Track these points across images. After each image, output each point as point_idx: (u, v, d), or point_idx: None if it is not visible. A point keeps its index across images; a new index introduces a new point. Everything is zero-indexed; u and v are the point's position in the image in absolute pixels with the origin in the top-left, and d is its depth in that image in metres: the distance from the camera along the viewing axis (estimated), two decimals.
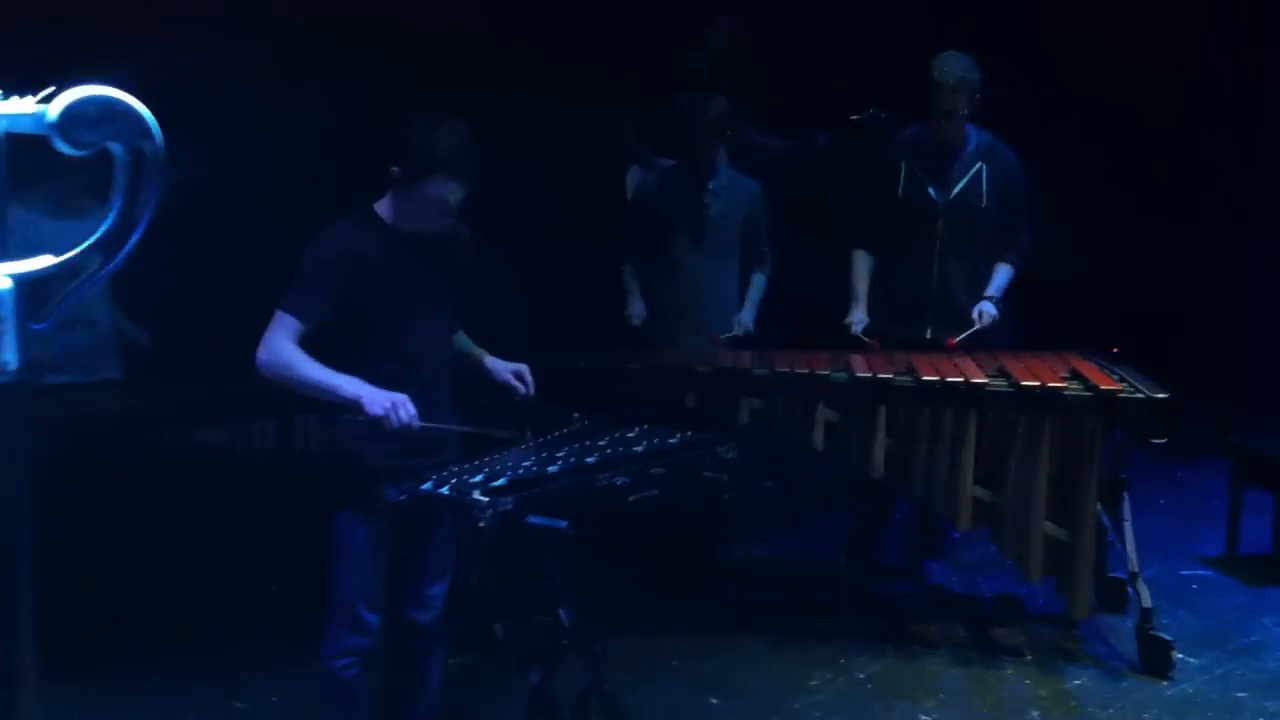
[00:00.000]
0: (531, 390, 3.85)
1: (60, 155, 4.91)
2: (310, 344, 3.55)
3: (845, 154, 6.39)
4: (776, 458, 5.68)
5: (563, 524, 3.22)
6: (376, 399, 3.45)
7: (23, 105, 1.39)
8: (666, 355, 5.26)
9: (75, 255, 1.43)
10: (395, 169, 3.56)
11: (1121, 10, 7.11)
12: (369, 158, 3.68)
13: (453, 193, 3.55)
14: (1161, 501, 6.58)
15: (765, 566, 5.86)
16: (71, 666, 4.35)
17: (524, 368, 3.88)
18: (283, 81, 5.64)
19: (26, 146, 4.84)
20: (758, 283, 5.60)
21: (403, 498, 3.30)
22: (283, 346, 3.50)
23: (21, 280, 1.38)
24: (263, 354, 3.53)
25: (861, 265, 5.46)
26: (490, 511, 3.16)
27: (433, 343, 3.71)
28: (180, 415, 4.66)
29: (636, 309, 5.54)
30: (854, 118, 6.33)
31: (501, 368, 3.89)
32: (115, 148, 1.42)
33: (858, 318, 5.35)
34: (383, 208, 3.66)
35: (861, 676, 4.76)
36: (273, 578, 4.90)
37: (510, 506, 3.20)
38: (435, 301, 3.71)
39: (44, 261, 1.40)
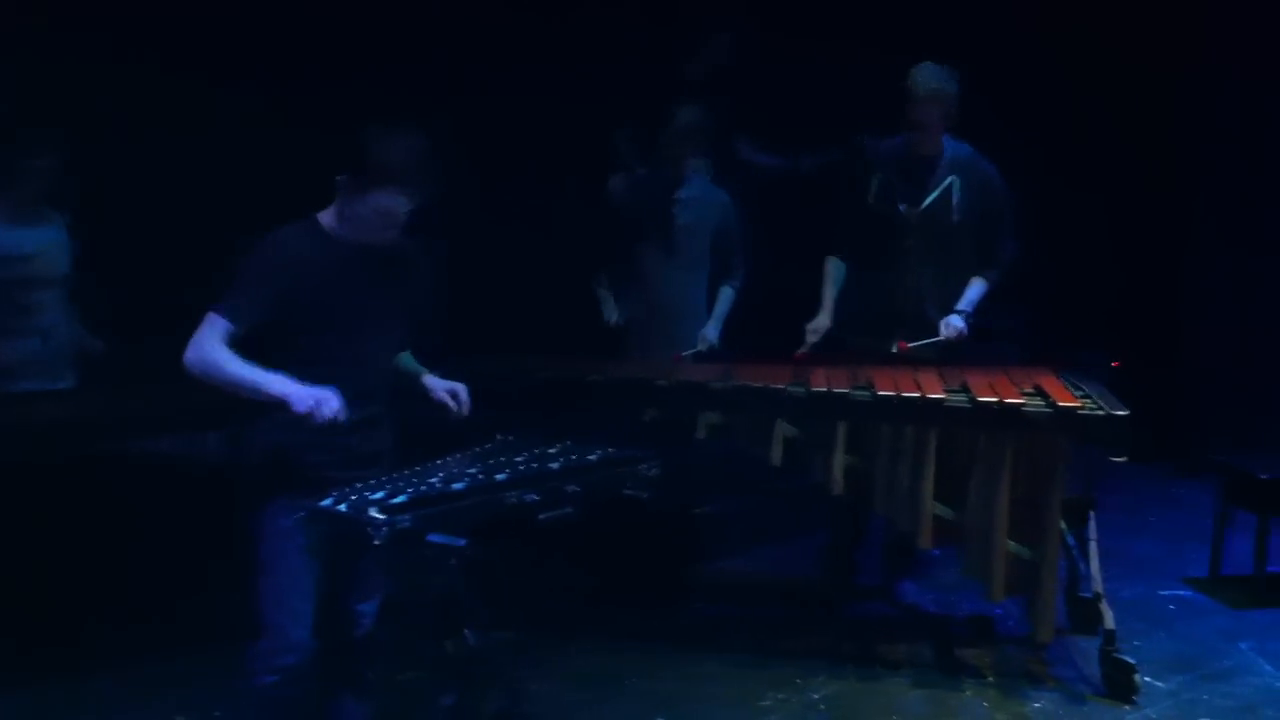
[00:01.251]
0: (466, 409, 3.80)
1: (19, 164, 4.96)
2: (244, 347, 3.52)
3: (830, 170, 6.31)
4: (748, 473, 5.58)
5: (461, 542, 3.17)
6: (302, 395, 3.40)
7: None
8: (627, 368, 5.19)
9: None
10: (342, 178, 3.53)
11: (1128, 14, 6.98)
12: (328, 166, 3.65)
13: (400, 205, 3.52)
14: (1151, 520, 6.43)
15: (738, 582, 5.78)
16: (17, 674, 4.41)
17: (461, 386, 3.83)
18: (244, 84, 5.64)
19: None
20: (725, 296, 5.53)
21: (302, 513, 3.26)
22: (211, 346, 3.47)
23: None
24: (190, 352, 3.49)
25: (832, 272, 5.37)
26: (386, 529, 3.12)
27: (370, 356, 3.65)
28: (130, 424, 4.64)
29: (610, 314, 5.48)
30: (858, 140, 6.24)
31: (437, 385, 3.84)
32: None
33: (819, 324, 5.26)
34: (327, 217, 3.62)
35: (816, 697, 4.66)
36: (220, 588, 4.88)
37: (408, 524, 3.15)
38: (374, 313, 3.65)
39: None
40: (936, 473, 4.69)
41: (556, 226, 6.01)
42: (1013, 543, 4.64)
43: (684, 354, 5.35)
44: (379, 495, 3.25)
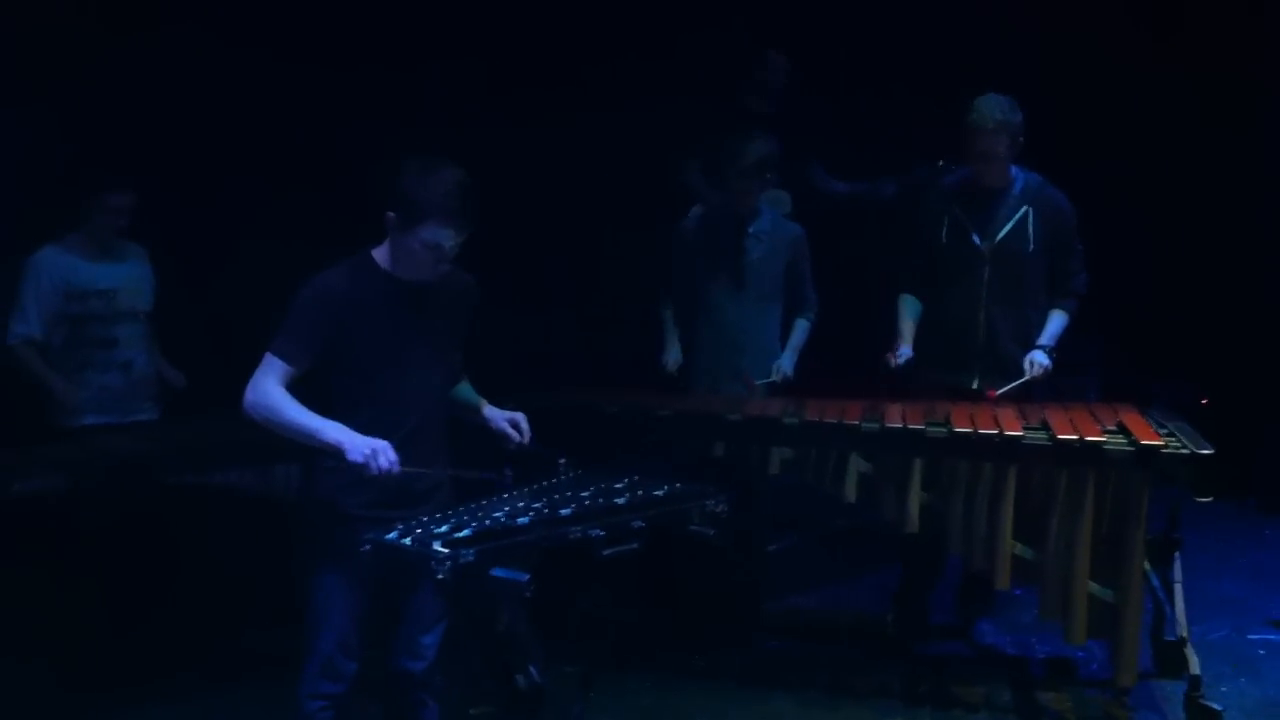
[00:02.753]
0: (527, 438, 3.79)
1: (96, 202, 5.06)
2: (299, 387, 3.55)
3: (907, 202, 6.25)
4: (820, 509, 5.51)
5: (524, 577, 3.14)
6: (357, 445, 3.43)
7: None
8: (695, 402, 5.15)
9: None
10: (390, 214, 3.55)
11: (1204, 29, 6.86)
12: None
13: (447, 239, 3.53)
14: (1238, 560, 6.24)
15: (811, 620, 5.68)
16: (86, 700, 4.45)
17: (520, 416, 3.83)
18: (320, 124, 5.71)
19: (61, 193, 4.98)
20: (800, 328, 5.47)
21: (367, 547, 3.26)
22: (269, 389, 3.51)
23: None
24: (249, 395, 3.54)
25: (907, 309, 5.30)
26: (449, 564, 3.10)
27: (423, 392, 3.67)
28: (206, 457, 4.68)
29: (672, 356, 5.46)
30: (940, 163, 6.18)
31: (497, 416, 3.85)
32: None
33: (902, 351, 5.17)
34: (380, 254, 3.65)
35: None
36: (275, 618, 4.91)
37: (471, 559, 3.14)
38: (429, 351, 3.68)
39: None
40: (1015, 511, 4.60)
41: (627, 261, 5.99)
42: (1094, 584, 4.54)
43: (757, 381, 5.27)
44: (443, 529, 3.24)
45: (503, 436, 3.81)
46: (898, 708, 4.80)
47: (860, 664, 5.19)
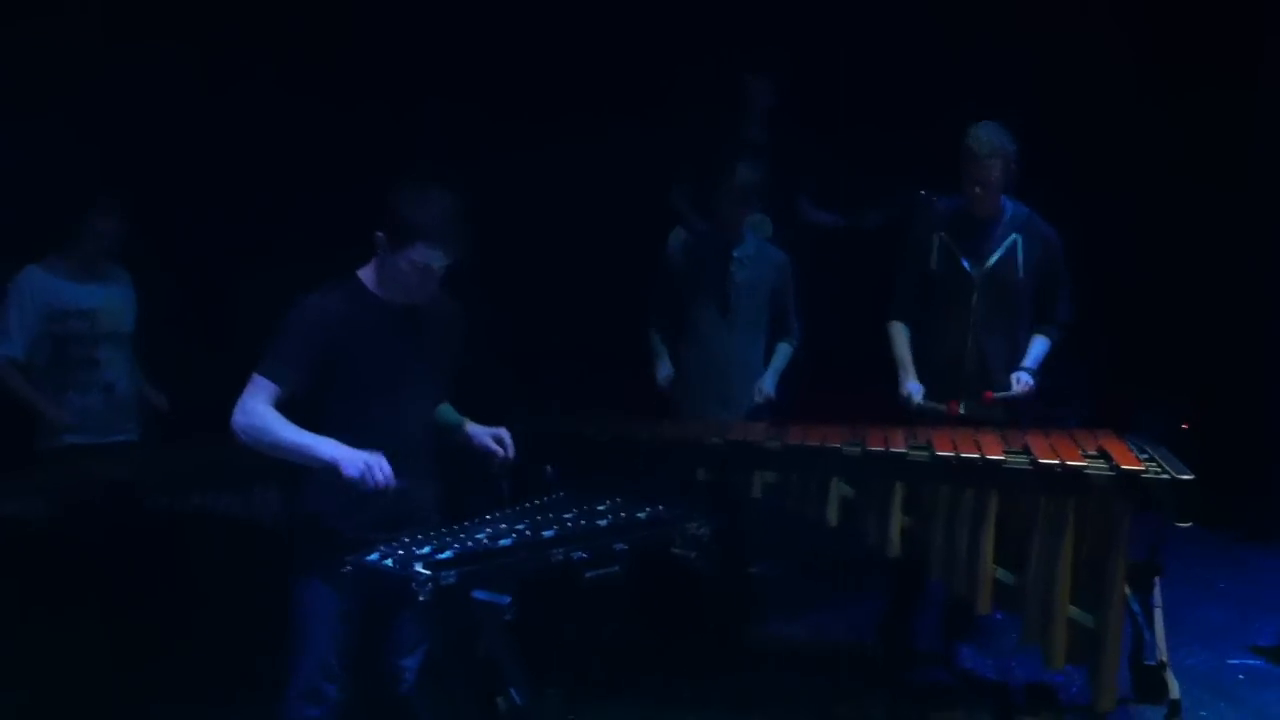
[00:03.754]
0: (511, 453, 3.80)
1: (83, 224, 5.06)
2: (286, 408, 3.55)
3: (890, 230, 6.28)
4: (801, 534, 5.51)
5: (506, 599, 3.14)
6: (353, 460, 3.43)
7: None
8: (678, 428, 5.15)
9: None
10: (379, 234, 3.56)
11: (1184, 50, 6.91)
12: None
13: (435, 260, 3.53)
14: (1219, 586, 6.26)
15: (793, 647, 5.66)
16: None
17: (503, 431, 3.84)
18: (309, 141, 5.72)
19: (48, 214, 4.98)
20: (782, 351, 5.49)
21: (348, 568, 3.25)
22: (258, 410, 3.51)
23: None
24: (238, 417, 3.53)
25: (901, 336, 5.32)
26: (430, 585, 3.10)
27: (410, 414, 3.68)
28: (186, 479, 4.67)
29: (664, 372, 5.46)
30: (922, 192, 6.21)
31: (481, 433, 3.86)
32: None
33: (914, 387, 5.18)
34: (367, 275, 3.66)
35: None
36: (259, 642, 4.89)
37: (453, 581, 3.14)
38: (416, 373, 3.68)
39: None
40: (996, 535, 4.61)
41: (611, 284, 6.01)
42: (1074, 608, 4.55)
43: (756, 401, 5.33)
44: (425, 550, 3.24)
45: (487, 454, 3.80)
46: None
47: (844, 691, 5.17)
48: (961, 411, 5.06)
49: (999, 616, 5.30)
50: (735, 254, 5.43)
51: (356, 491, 3.46)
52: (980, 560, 4.61)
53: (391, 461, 3.49)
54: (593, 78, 6.59)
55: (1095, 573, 4.53)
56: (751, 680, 5.30)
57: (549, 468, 3.77)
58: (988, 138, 5.05)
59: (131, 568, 4.67)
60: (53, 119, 5.35)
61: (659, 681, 5.17)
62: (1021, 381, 5.12)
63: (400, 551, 3.24)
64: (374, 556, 3.23)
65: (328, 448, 3.46)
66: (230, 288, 5.58)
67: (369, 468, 3.41)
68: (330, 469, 3.45)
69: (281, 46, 5.94)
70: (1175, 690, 4.56)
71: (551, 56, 6.50)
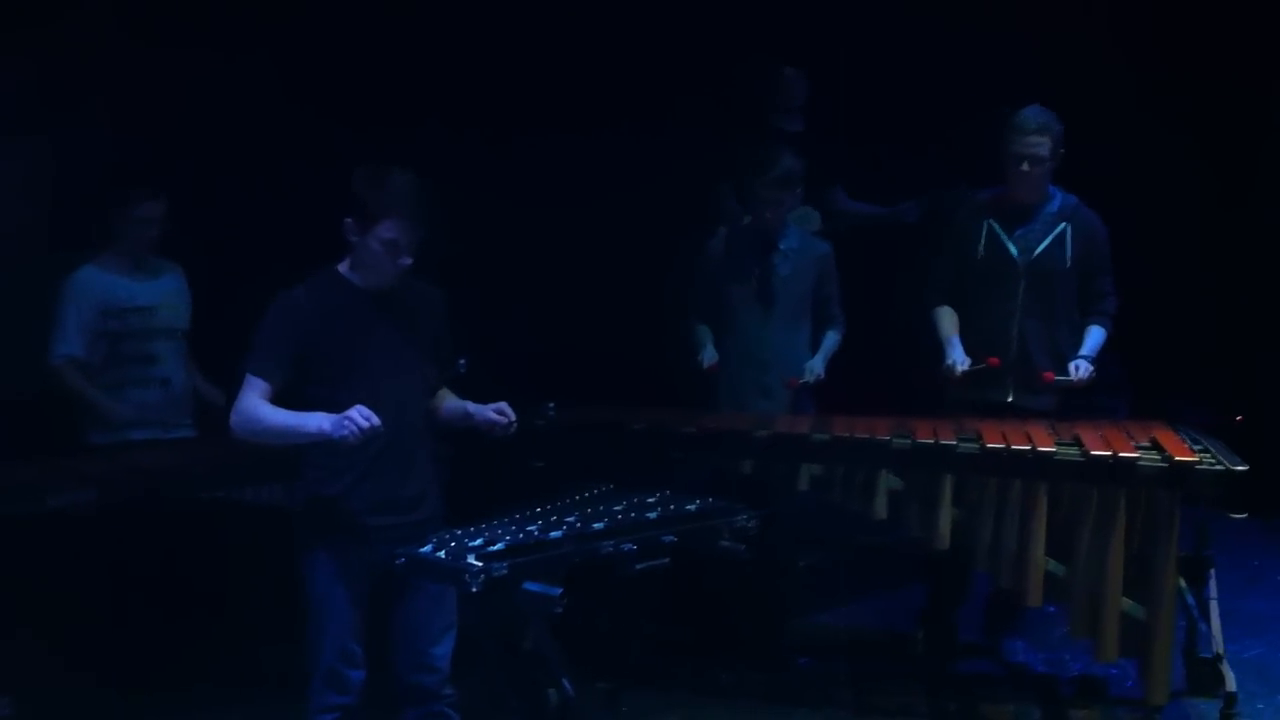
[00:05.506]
0: (514, 420, 3.79)
1: (123, 215, 5.08)
2: (281, 402, 3.66)
3: (930, 221, 6.24)
4: (847, 525, 5.49)
5: (557, 591, 3.15)
6: (336, 422, 3.49)
7: None
8: (723, 419, 5.14)
9: None
10: (348, 220, 3.65)
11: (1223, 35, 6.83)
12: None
13: (403, 234, 3.62)
14: (1274, 577, 6.18)
15: (837, 638, 5.65)
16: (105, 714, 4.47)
17: (503, 404, 3.82)
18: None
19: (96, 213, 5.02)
20: (830, 338, 5.46)
21: (401, 560, 3.27)
22: (248, 405, 3.63)
23: None
24: (233, 416, 3.66)
25: (947, 316, 5.27)
26: (483, 577, 3.11)
27: (397, 399, 3.69)
28: (236, 473, 4.70)
29: (708, 355, 5.42)
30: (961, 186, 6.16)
31: (482, 409, 3.86)
32: None
33: (959, 357, 5.13)
34: (344, 266, 3.75)
35: None
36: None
37: (504, 572, 3.15)
38: (399, 358, 3.74)
39: None
40: (1046, 528, 4.57)
41: (653, 277, 6.00)
42: (1126, 600, 4.51)
43: (799, 380, 5.29)
44: (476, 542, 3.25)
45: (490, 425, 3.80)
46: None
47: (887, 682, 5.16)
48: (1054, 380, 5.04)
49: (1049, 609, 5.28)
50: (780, 246, 5.41)
51: (357, 469, 3.58)
52: (1030, 552, 4.58)
53: (382, 445, 3.56)
54: (630, 72, 6.57)
55: (1146, 564, 4.49)
56: (793, 671, 5.30)
57: (550, 405, 3.81)
58: (1035, 115, 5.04)
59: (179, 560, 4.71)
60: (86, 118, 5.37)
61: (700, 672, 5.17)
62: (1081, 368, 5.08)
63: (452, 543, 3.26)
64: (427, 549, 3.26)
65: (313, 420, 3.54)
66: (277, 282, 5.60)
67: (349, 419, 3.46)
68: (321, 439, 3.52)
69: (320, 34, 5.96)
70: (1232, 683, 4.52)
71: (587, 51, 6.49)
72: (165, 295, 5.17)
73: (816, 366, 5.38)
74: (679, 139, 6.46)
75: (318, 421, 3.52)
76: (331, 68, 5.98)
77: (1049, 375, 5.07)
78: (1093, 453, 4.48)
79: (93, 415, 5.04)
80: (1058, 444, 4.58)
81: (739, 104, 6.59)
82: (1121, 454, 4.46)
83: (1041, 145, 5.01)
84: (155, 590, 4.68)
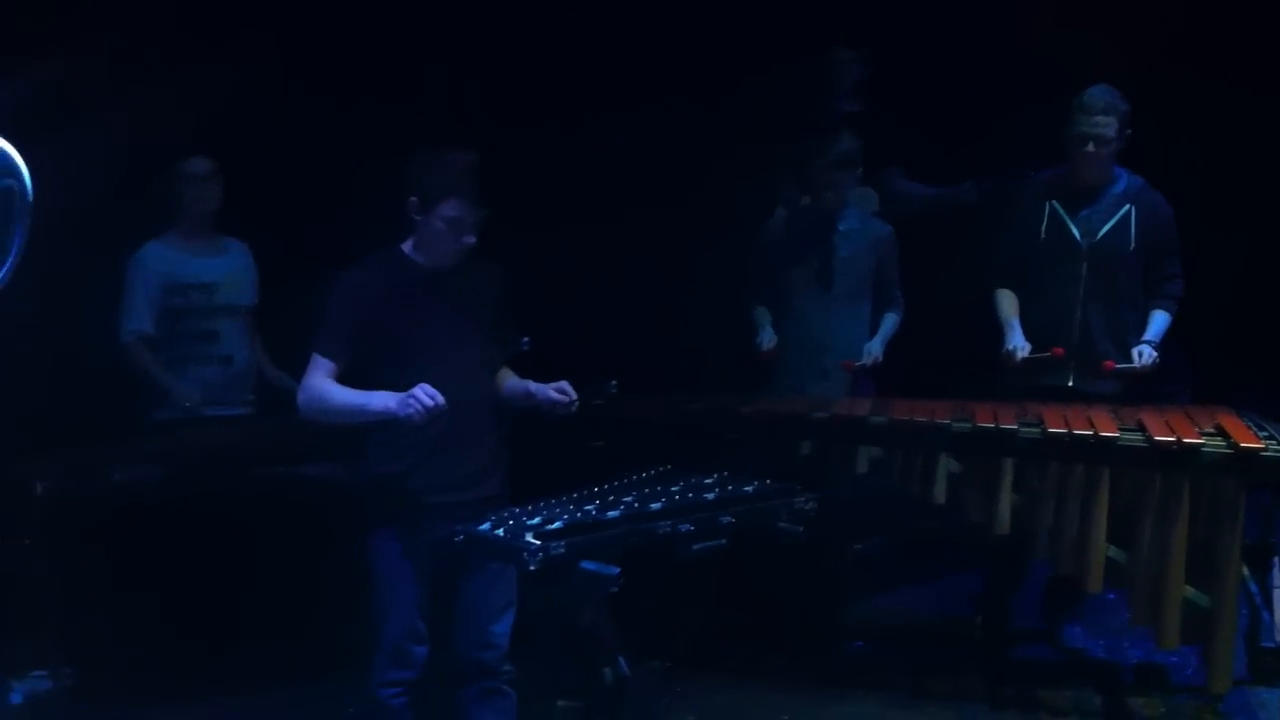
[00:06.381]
0: (575, 399, 3.80)
1: (177, 175, 5.09)
2: (347, 382, 3.70)
3: (990, 203, 6.16)
4: (904, 509, 5.45)
5: (614, 570, 3.16)
6: (401, 400, 3.53)
7: None
8: (780, 401, 5.12)
9: None
10: (412, 200, 3.69)
11: None
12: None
13: (465, 212, 3.66)
14: None
15: (894, 622, 5.63)
16: (167, 693, 4.53)
17: (565, 384, 3.84)
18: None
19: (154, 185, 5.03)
20: (889, 319, 5.43)
21: (460, 538, 3.30)
22: (314, 384, 3.68)
23: None
24: (299, 396, 3.72)
25: (1008, 299, 5.22)
26: (540, 555, 3.13)
27: (461, 376, 3.71)
28: (296, 449, 4.75)
29: (767, 338, 5.40)
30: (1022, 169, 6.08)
31: (544, 388, 3.87)
32: None
33: (1020, 342, 5.08)
34: (408, 245, 3.79)
35: None
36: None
37: (562, 551, 3.16)
38: (462, 335, 3.77)
39: None
40: (1107, 514, 4.52)
41: (712, 259, 5.98)
42: (1188, 588, 4.45)
43: (857, 363, 5.27)
44: (534, 521, 3.27)
45: (552, 405, 3.82)
46: (982, 712, 4.74)
47: (943, 667, 5.13)
48: (1115, 368, 5.00)
49: (1110, 596, 5.22)
50: (840, 227, 5.38)
51: (421, 447, 3.61)
52: (1091, 538, 4.53)
53: (451, 424, 3.59)
54: (689, 54, 6.54)
55: (1209, 552, 4.42)
56: (848, 655, 5.29)
57: (614, 383, 3.82)
58: (1102, 94, 4.98)
59: (240, 535, 4.76)
60: (149, 97, 5.40)
61: (755, 655, 5.18)
62: (1145, 355, 5.02)
63: (510, 521, 3.28)
64: (485, 526, 3.29)
65: (379, 399, 3.59)
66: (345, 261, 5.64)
67: (414, 398, 3.50)
68: (386, 418, 3.56)
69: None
70: None
71: (648, 31, 6.46)
72: (229, 272, 5.21)
73: (874, 349, 5.35)
74: (738, 121, 6.42)
75: (383, 400, 3.56)
76: (396, 45, 6.00)
77: (1109, 364, 5.01)
78: (1156, 438, 4.42)
79: (157, 393, 5.09)
80: (1121, 429, 4.52)
81: (798, 85, 6.54)
82: (1186, 440, 4.39)
83: (1108, 125, 4.95)
84: (216, 567, 4.73)
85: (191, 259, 5.15)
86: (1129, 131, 5.00)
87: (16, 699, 4.27)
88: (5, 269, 1.45)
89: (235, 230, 5.32)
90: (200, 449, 4.83)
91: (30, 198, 1.44)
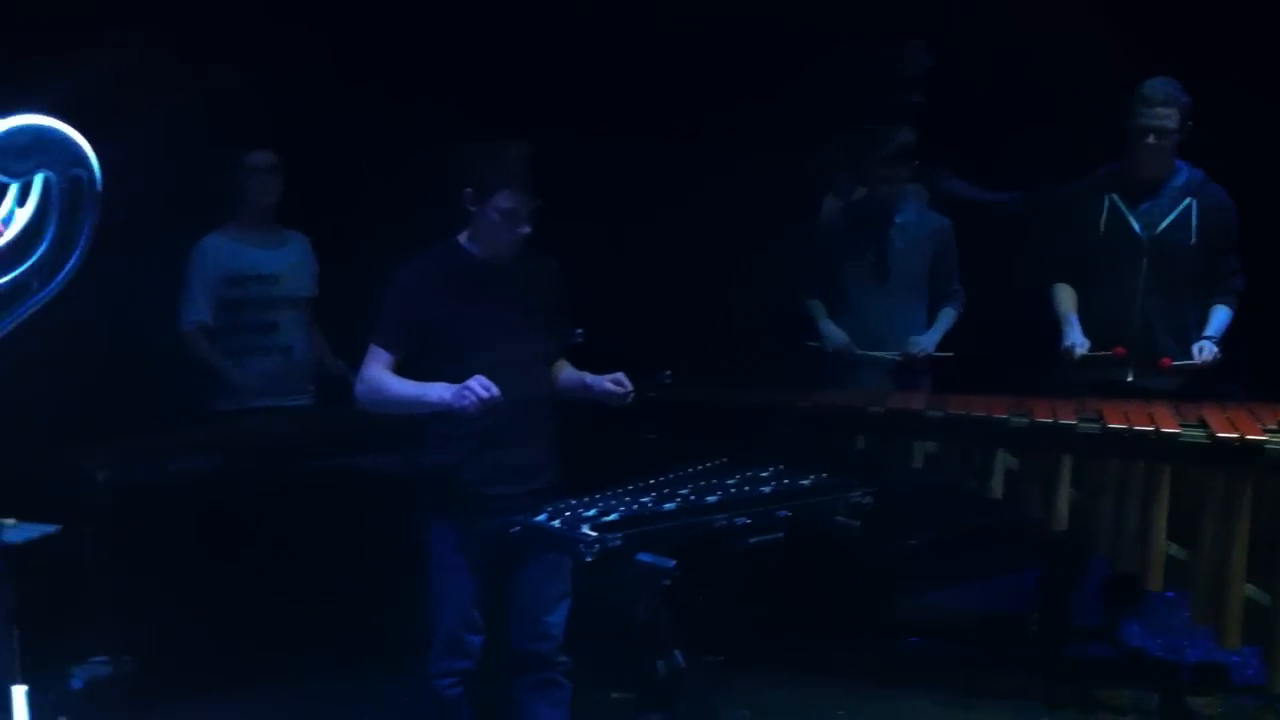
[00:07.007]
0: (631, 390, 3.80)
1: (237, 166, 5.13)
2: (405, 373, 3.74)
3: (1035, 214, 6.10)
4: (960, 504, 5.41)
5: (671, 563, 3.15)
6: (458, 392, 3.55)
7: None
8: (835, 395, 5.09)
9: (10, 281, 1.43)
10: (468, 191, 3.70)
11: None
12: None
13: (521, 203, 3.66)
14: None
15: (951, 618, 5.59)
16: (228, 681, 4.56)
17: (620, 375, 3.84)
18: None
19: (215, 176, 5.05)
20: (946, 314, 5.39)
21: (516, 528, 3.30)
22: (371, 375, 3.71)
23: None
24: (357, 386, 3.76)
25: (1065, 294, 5.16)
26: (597, 547, 3.12)
27: (516, 369, 3.72)
28: (355, 440, 4.78)
29: (833, 337, 5.37)
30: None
31: (600, 380, 3.87)
32: (50, 176, 1.42)
33: (1079, 339, 5.02)
34: (464, 237, 3.80)
35: None
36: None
37: (619, 543, 3.15)
38: (517, 328, 3.78)
39: None
40: (1168, 511, 4.46)
41: (764, 252, 5.96)
42: (1250, 586, 4.38)
43: (912, 352, 5.25)
44: (591, 513, 3.26)
45: (608, 396, 3.82)
46: (1039, 710, 4.70)
47: (1000, 664, 5.09)
48: (1172, 365, 4.95)
49: (1169, 595, 5.16)
50: (897, 220, 5.34)
51: (476, 439, 3.63)
52: (1151, 536, 4.46)
53: (506, 416, 3.61)
54: (749, 45, 6.51)
55: (1272, 549, 4.35)
56: (904, 651, 5.26)
57: (668, 373, 3.85)
58: (1163, 86, 4.92)
59: (297, 525, 4.80)
60: (211, 87, 5.44)
61: (810, 649, 5.16)
62: (1205, 351, 4.95)
63: (567, 513, 3.28)
64: (541, 518, 3.28)
65: (435, 391, 3.61)
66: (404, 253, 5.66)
67: (469, 389, 3.52)
68: (442, 409, 3.59)
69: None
70: None
71: (699, 18, 6.43)
72: (288, 264, 5.24)
73: (926, 343, 5.32)
74: (794, 108, 6.38)
75: (439, 392, 3.58)
76: (452, 35, 6.01)
77: (1166, 361, 4.94)
78: (1219, 435, 4.36)
79: (217, 383, 5.13)
80: (1182, 426, 4.46)
81: (862, 72, 6.49)
82: (1249, 436, 4.32)
83: (1169, 117, 4.88)
84: (274, 556, 4.77)
85: (252, 251, 5.19)
86: (1190, 124, 4.94)
87: (77, 685, 4.31)
88: (74, 259, 1.46)
89: (297, 222, 5.35)
90: (259, 439, 4.86)
91: (100, 187, 1.45)
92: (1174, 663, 5.14)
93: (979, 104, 6.44)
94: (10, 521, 3.54)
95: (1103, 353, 4.98)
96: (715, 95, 6.36)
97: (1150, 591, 5.14)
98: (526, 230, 3.72)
